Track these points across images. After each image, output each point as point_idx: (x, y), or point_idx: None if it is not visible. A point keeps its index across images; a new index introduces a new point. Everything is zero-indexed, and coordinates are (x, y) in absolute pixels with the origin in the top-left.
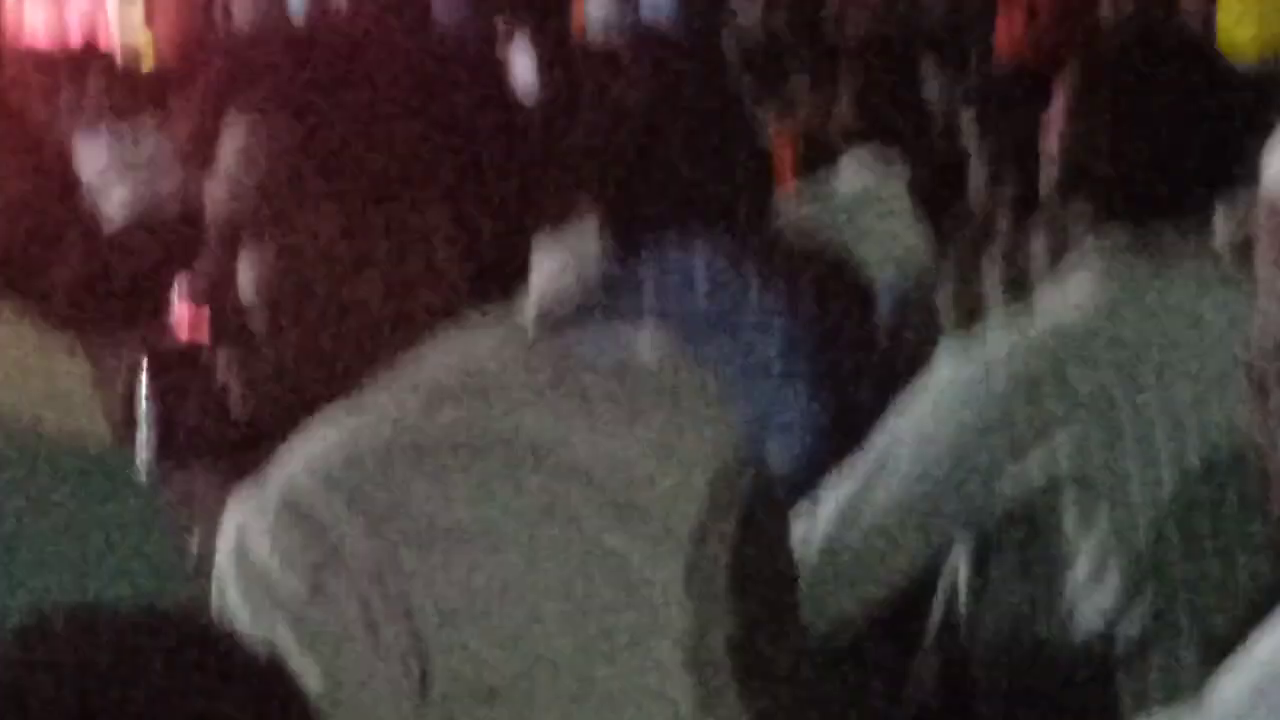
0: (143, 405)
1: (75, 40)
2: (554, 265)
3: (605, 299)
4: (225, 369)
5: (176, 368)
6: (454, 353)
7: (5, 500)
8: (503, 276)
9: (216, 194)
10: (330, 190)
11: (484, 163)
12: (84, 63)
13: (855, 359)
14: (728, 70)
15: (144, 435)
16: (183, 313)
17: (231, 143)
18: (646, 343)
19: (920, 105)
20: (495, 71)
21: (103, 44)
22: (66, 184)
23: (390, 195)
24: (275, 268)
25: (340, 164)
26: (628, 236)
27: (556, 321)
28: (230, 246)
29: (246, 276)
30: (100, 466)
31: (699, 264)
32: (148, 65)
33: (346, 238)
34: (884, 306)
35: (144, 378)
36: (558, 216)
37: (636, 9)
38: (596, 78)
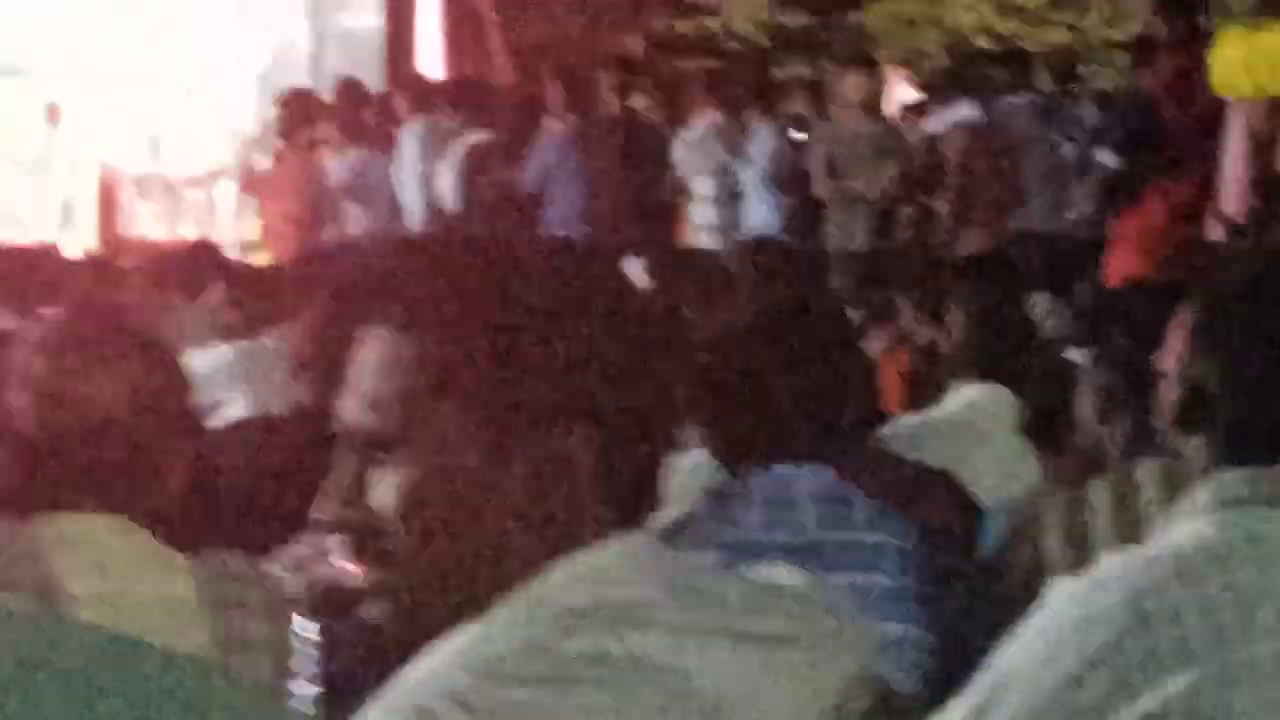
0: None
1: (188, 237)
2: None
3: (713, 520)
4: (358, 585)
5: (301, 588)
6: (585, 575)
7: None
8: (637, 498)
9: (351, 408)
10: (466, 405)
11: (617, 380)
12: (197, 261)
13: (962, 586)
14: (833, 290)
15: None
16: (317, 530)
17: (366, 355)
18: (778, 567)
19: (1029, 333)
20: (626, 287)
21: (215, 241)
22: (177, 391)
23: (526, 411)
24: (410, 483)
25: (475, 379)
26: (735, 456)
27: (664, 540)
28: (365, 461)
29: (381, 492)
30: (212, 684)
31: (806, 485)
32: (260, 264)
33: (482, 453)
34: (990, 537)
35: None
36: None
37: (738, 221)
38: (703, 287)
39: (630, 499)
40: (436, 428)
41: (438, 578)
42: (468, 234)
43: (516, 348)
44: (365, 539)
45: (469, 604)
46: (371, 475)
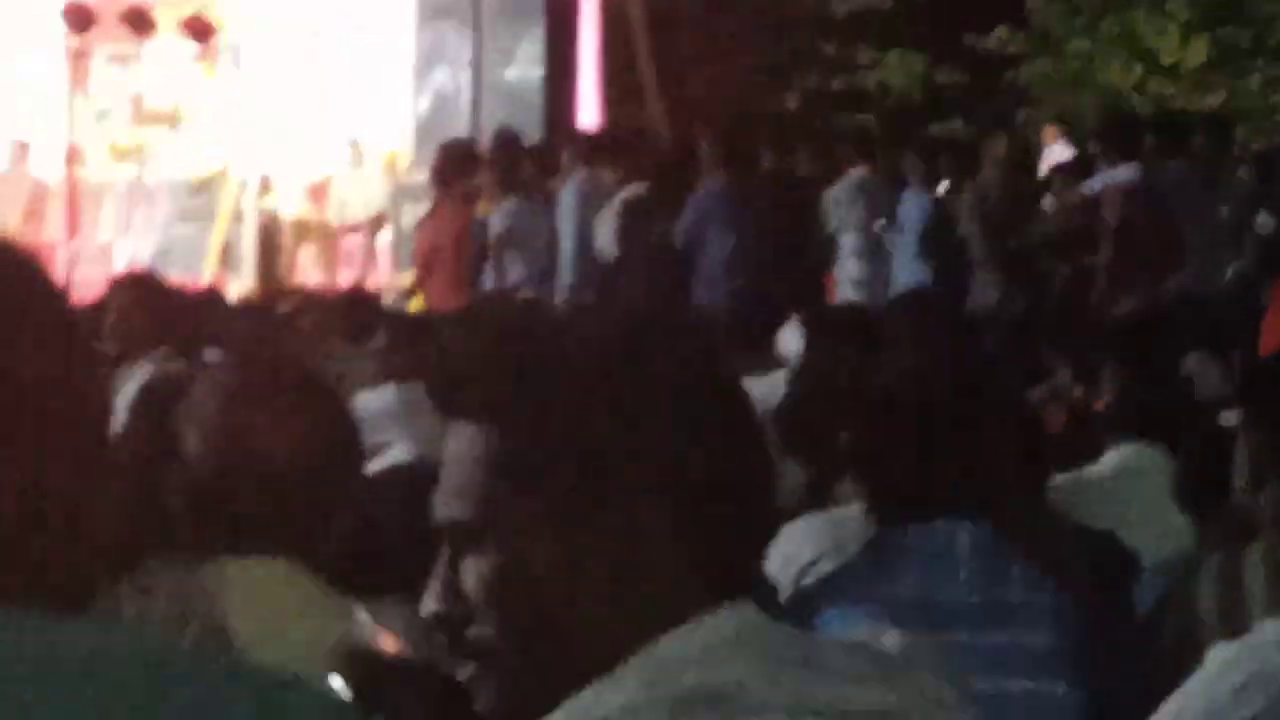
0: None
1: (345, 283)
2: (813, 538)
3: (869, 575)
4: (459, 672)
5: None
6: (686, 657)
7: None
8: (730, 570)
9: (441, 500)
10: (539, 491)
11: (703, 460)
12: (361, 307)
13: (1118, 647)
14: (988, 344)
15: None
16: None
17: (451, 448)
18: (877, 628)
19: (1184, 396)
20: (712, 365)
21: (374, 288)
22: (346, 436)
23: (600, 494)
24: (492, 572)
25: (546, 464)
26: (894, 511)
27: (811, 597)
28: (458, 552)
29: (471, 580)
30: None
31: (965, 542)
32: (416, 311)
33: (558, 538)
34: (1145, 601)
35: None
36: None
37: (887, 276)
38: (854, 343)
39: (723, 571)
40: (513, 515)
41: (529, 666)
42: (538, 317)
43: (587, 429)
44: (459, 629)
45: (567, 690)
46: (463, 566)
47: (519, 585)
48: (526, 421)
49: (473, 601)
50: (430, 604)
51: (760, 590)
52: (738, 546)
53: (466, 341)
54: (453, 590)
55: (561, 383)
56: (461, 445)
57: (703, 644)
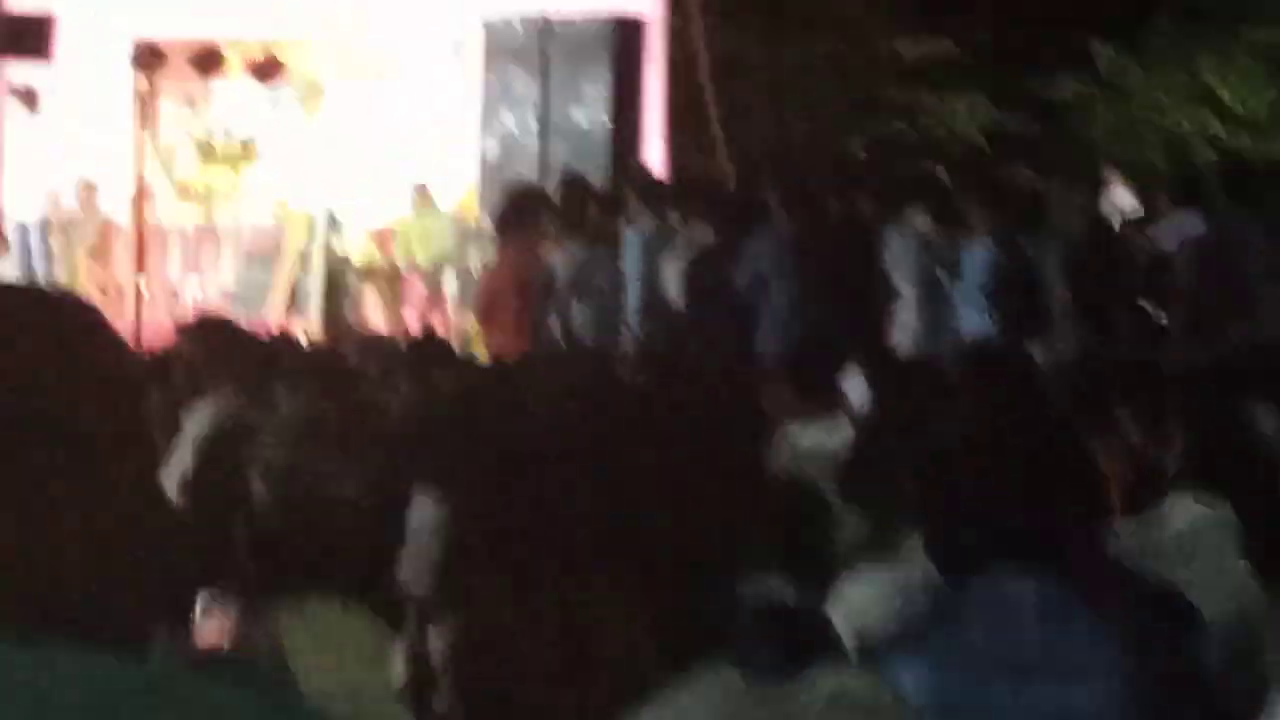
0: None
1: (411, 325)
2: (875, 593)
3: (933, 628)
4: None
5: None
6: None
7: None
8: (698, 635)
9: (404, 570)
10: (496, 564)
11: (661, 525)
12: (425, 352)
13: (1182, 704)
14: (1052, 395)
15: None
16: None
17: (413, 520)
18: (844, 671)
19: (1252, 447)
20: (667, 417)
21: (440, 333)
22: (408, 480)
23: (555, 566)
24: (450, 644)
25: (504, 538)
26: (957, 564)
27: (876, 650)
28: (423, 621)
29: (434, 649)
30: None
31: (1028, 594)
32: (484, 357)
33: (515, 611)
34: (1212, 654)
35: None
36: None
37: (947, 325)
38: (918, 393)
39: (687, 635)
40: (471, 588)
41: None
42: (500, 385)
43: (540, 501)
44: (426, 697)
45: None
46: (430, 635)
47: (478, 657)
48: (481, 494)
49: (437, 671)
50: (398, 672)
51: (825, 640)
52: (701, 609)
53: (421, 412)
54: (419, 658)
55: (513, 454)
56: (422, 517)
57: (679, 717)
